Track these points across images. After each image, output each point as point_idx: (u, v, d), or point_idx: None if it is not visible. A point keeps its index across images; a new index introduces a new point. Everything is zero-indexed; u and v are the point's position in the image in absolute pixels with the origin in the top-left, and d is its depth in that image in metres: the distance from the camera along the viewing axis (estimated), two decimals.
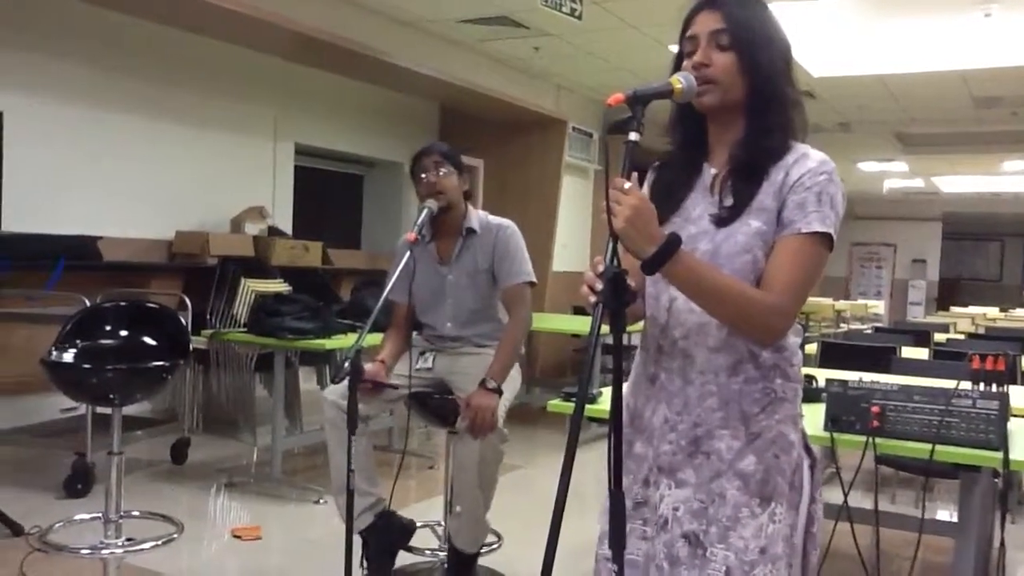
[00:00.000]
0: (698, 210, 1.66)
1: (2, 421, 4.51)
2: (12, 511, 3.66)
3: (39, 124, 5.09)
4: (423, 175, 3.20)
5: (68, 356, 3.50)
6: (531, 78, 7.86)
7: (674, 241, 1.48)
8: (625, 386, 1.70)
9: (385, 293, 2.85)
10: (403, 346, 3.31)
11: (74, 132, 5.33)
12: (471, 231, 3.25)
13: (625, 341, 1.43)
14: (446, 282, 3.27)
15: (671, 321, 1.65)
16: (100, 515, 3.61)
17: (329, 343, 4.41)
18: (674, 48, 1.70)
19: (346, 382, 2.61)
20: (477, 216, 3.29)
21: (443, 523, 3.53)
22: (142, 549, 3.50)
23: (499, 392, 3.02)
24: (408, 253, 2.95)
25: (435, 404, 3.26)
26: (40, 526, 3.67)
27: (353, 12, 5.94)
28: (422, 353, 3.32)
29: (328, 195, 8.09)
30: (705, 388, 1.62)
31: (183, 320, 4.03)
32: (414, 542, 3.36)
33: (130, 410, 4.05)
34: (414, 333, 3.38)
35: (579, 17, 5.83)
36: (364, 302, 5.04)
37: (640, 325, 1.76)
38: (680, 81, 1.57)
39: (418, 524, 3.37)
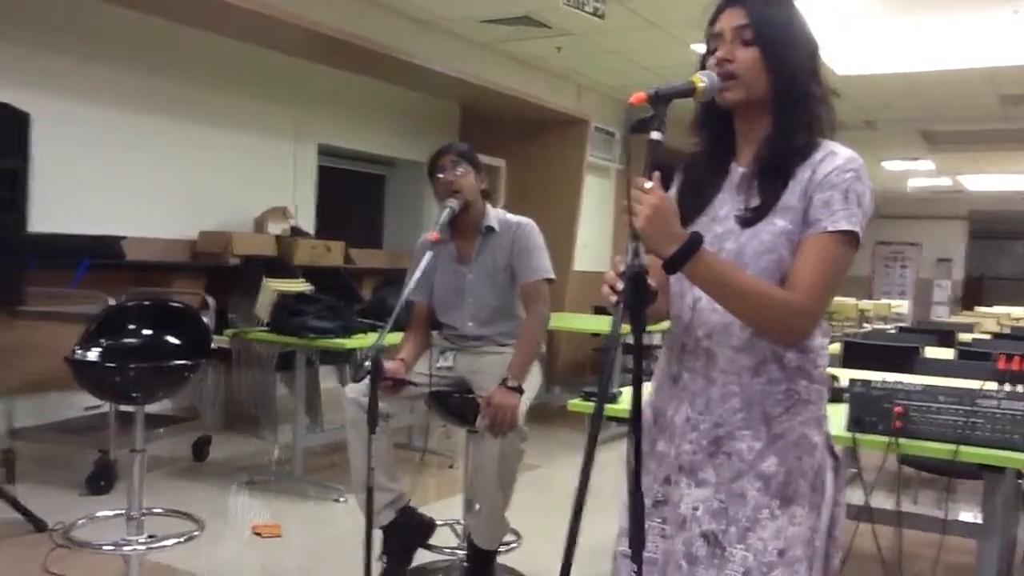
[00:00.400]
0: (725, 209, 1.65)
1: (27, 418, 4.55)
2: (36, 507, 3.70)
3: (65, 126, 5.14)
4: (440, 174, 3.20)
5: (92, 355, 3.52)
6: (553, 78, 7.84)
7: (695, 240, 1.47)
8: (648, 385, 1.69)
9: (405, 292, 2.85)
10: (423, 345, 3.32)
11: (99, 133, 5.38)
12: (490, 229, 3.24)
13: (646, 341, 1.42)
14: (466, 281, 3.27)
15: (695, 320, 1.64)
16: (122, 512, 3.62)
17: (350, 342, 4.43)
18: (696, 47, 1.69)
19: (367, 380, 2.62)
20: (496, 214, 3.29)
21: (462, 521, 3.53)
22: (164, 546, 3.52)
23: (520, 391, 3.02)
24: (429, 253, 2.95)
25: (455, 403, 3.26)
26: (63, 522, 3.70)
27: (374, 12, 5.96)
28: (443, 352, 3.32)
29: (350, 195, 8.12)
30: (727, 388, 1.60)
31: (206, 319, 4.05)
32: (433, 540, 3.36)
33: (152, 408, 4.06)
34: (434, 332, 3.39)
35: (602, 16, 5.82)
36: (385, 301, 5.05)
37: (664, 325, 1.75)
38: (702, 80, 1.57)
39: (438, 522, 3.38)
